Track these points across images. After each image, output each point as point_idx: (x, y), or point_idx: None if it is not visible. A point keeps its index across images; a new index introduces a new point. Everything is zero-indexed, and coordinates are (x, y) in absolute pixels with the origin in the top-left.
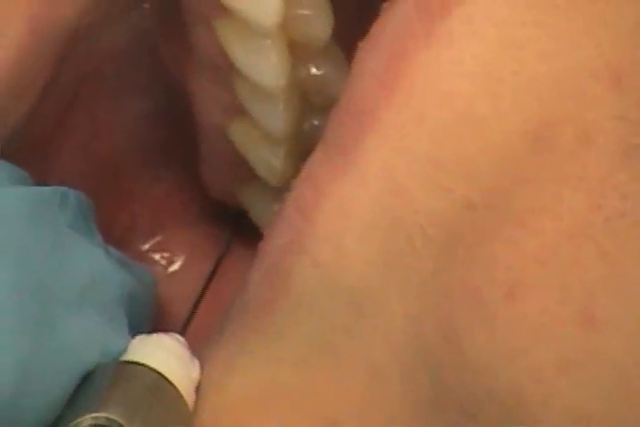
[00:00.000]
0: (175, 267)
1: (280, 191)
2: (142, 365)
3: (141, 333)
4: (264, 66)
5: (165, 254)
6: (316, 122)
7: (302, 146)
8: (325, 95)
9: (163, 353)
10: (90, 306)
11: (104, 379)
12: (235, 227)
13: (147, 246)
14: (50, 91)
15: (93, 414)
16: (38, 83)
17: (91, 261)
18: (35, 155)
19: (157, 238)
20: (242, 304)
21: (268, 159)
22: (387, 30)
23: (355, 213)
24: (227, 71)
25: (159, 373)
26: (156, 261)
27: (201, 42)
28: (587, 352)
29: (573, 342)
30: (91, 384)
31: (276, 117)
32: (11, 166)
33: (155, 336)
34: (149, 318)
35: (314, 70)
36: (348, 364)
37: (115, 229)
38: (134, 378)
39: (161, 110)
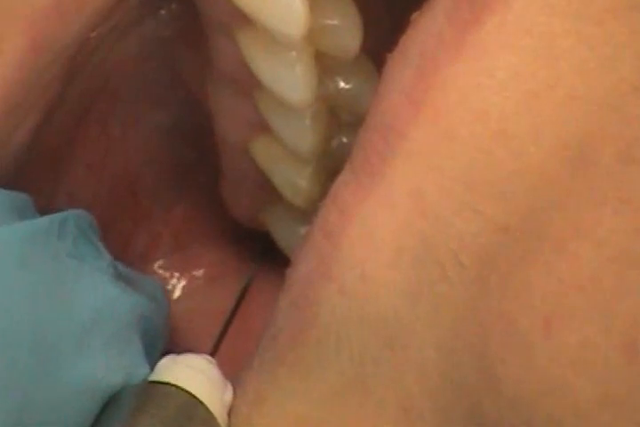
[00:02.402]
0: (198, 294)
1: (306, 214)
2: (172, 385)
3: (158, 352)
4: (289, 79)
5: (187, 280)
6: (344, 139)
7: (330, 165)
8: (355, 111)
9: (194, 373)
10: (98, 339)
11: (130, 401)
12: (262, 250)
13: (167, 270)
14: (59, 106)
15: None
16: (42, 101)
17: (96, 291)
18: (44, 172)
19: (178, 262)
20: (270, 335)
21: (293, 179)
22: (416, 41)
23: (382, 238)
24: (249, 85)
25: (191, 394)
26: (175, 287)
27: (221, 53)
28: (630, 386)
29: (616, 376)
30: (116, 407)
31: (302, 134)
32: (7, 194)
33: (184, 356)
34: (166, 335)
35: (342, 84)
36: (379, 399)
37: (133, 251)
38: (164, 399)
39: (178, 126)
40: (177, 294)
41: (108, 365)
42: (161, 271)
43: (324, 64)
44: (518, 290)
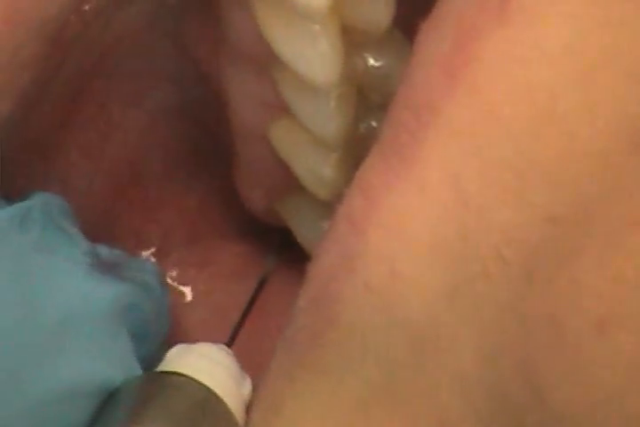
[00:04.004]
0: (213, 290)
1: (330, 207)
2: (184, 376)
3: (156, 339)
4: (312, 56)
5: (201, 276)
6: (374, 123)
7: (357, 152)
8: (386, 91)
9: (209, 364)
10: (75, 339)
11: (137, 391)
12: (280, 244)
13: (181, 265)
14: (51, 85)
15: None
16: (20, 81)
17: (68, 287)
18: (34, 158)
19: (193, 257)
20: (288, 335)
21: (316, 168)
22: (453, 7)
23: (414, 229)
24: (267, 62)
25: (206, 386)
26: (190, 282)
27: (236, 26)
28: None
29: None
30: (118, 400)
31: (327, 118)
32: None
33: (199, 345)
34: (163, 321)
35: (372, 61)
36: (410, 411)
37: (147, 246)
38: (175, 391)
39: (186, 106)
40: (191, 289)
41: (89, 364)
42: (175, 267)
43: (352, 39)
44: (567, 288)
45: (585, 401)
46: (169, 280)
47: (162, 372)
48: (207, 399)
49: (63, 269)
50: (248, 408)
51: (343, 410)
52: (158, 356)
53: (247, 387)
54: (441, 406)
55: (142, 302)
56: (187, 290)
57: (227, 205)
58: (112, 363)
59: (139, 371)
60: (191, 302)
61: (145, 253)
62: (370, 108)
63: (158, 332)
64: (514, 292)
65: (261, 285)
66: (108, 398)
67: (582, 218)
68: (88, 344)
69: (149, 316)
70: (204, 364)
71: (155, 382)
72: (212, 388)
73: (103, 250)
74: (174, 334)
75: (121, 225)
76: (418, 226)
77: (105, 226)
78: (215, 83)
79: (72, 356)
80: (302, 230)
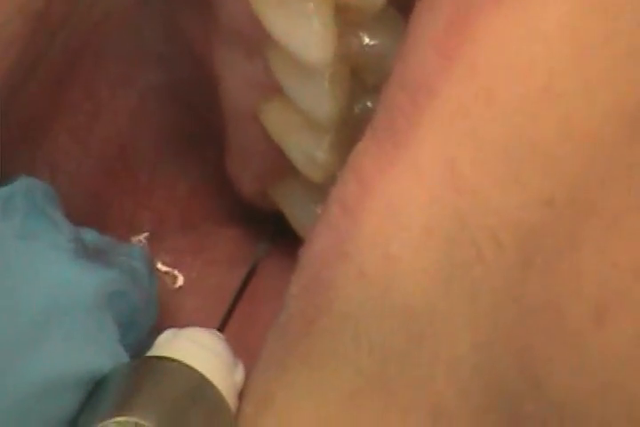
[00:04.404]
0: (204, 277)
1: (324, 190)
2: (175, 361)
3: (143, 326)
4: (305, 35)
5: (193, 263)
6: (369, 104)
7: (352, 133)
8: (381, 71)
9: (200, 349)
10: (59, 328)
11: (125, 377)
12: (272, 229)
13: (173, 252)
14: (38, 65)
15: (117, 419)
16: (6, 59)
17: (51, 274)
18: (21, 141)
19: (185, 244)
20: (280, 324)
21: (309, 151)
22: None
23: (408, 214)
24: (259, 42)
25: (197, 372)
26: (181, 269)
27: (228, 5)
28: None
29: None
30: (107, 387)
31: (320, 99)
32: None
33: (189, 330)
34: (151, 308)
35: (367, 40)
36: (405, 401)
37: (138, 231)
38: (166, 377)
39: (177, 87)
40: (183, 275)
41: (74, 353)
42: (167, 253)
43: (346, 17)
44: (566, 275)
45: (584, 389)
46: (161, 266)
47: (151, 357)
48: (199, 385)
49: (46, 256)
50: (240, 396)
51: (336, 400)
52: (147, 344)
53: (240, 373)
54: (435, 395)
55: (129, 290)
56: (179, 276)
57: (219, 189)
58: (97, 351)
59: (125, 359)
60: (183, 287)
61: (137, 239)
62: (365, 89)
63: (146, 319)
64: (510, 277)
65: (253, 270)
66: (96, 387)
67: (580, 202)
68: (72, 333)
69: (137, 303)
70: (196, 349)
71: (144, 368)
72: (203, 373)
73: (90, 235)
74: (165, 321)
75: (112, 211)
76: (412, 210)
77: (96, 212)
78: (206, 63)
79: (56, 345)
80: (295, 215)
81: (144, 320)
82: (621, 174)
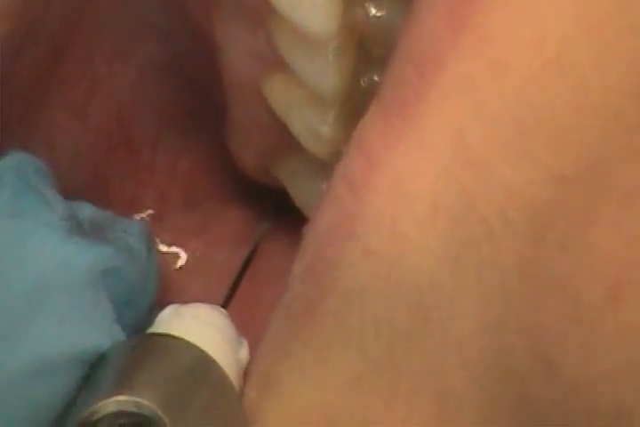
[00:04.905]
0: (207, 256)
1: (328, 166)
2: (177, 338)
3: (142, 302)
4: (309, 5)
5: (194, 241)
6: (375, 77)
7: (358, 108)
8: (387, 43)
9: (203, 326)
10: (52, 307)
11: (125, 355)
12: (276, 207)
13: (175, 231)
14: (31, 39)
15: (117, 398)
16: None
17: (43, 253)
18: (16, 117)
19: (188, 222)
20: (283, 305)
21: (313, 125)
22: None
23: (416, 190)
24: (261, 12)
25: (200, 349)
26: (182, 247)
27: None
28: None
29: None
30: (105, 365)
31: (325, 72)
32: None
33: (192, 306)
34: (150, 283)
35: (373, 10)
36: (411, 385)
37: (139, 209)
38: (168, 354)
39: (177, 61)
40: (186, 254)
41: (67, 332)
42: (170, 231)
43: None
44: (579, 252)
45: (597, 369)
46: (163, 245)
47: (152, 334)
48: (202, 363)
49: (38, 235)
50: (244, 376)
51: (340, 385)
52: (147, 323)
53: (244, 351)
54: (443, 378)
55: (125, 267)
56: (181, 255)
57: (221, 166)
58: (92, 329)
59: (122, 337)
60: (185, 267)
61: (139, 217)
62: (371, 61)
63: (144, 297)
64: (520, 255)
65: (256, 249)
66: (95, 365)
67: (595, 177)
68: (65, 312)
69: (133, 280)
70: (198, 325)
71: (145, 345)
72: (206, 350)
73: (87, 209)
74: (166, 300)
75: (114, 189)
76: (419, 186)
77: (97, 189)
78: (207, 36)
79: (49, 324)
80: (299, 192)
81: (142, 298)
82: (635, 151)
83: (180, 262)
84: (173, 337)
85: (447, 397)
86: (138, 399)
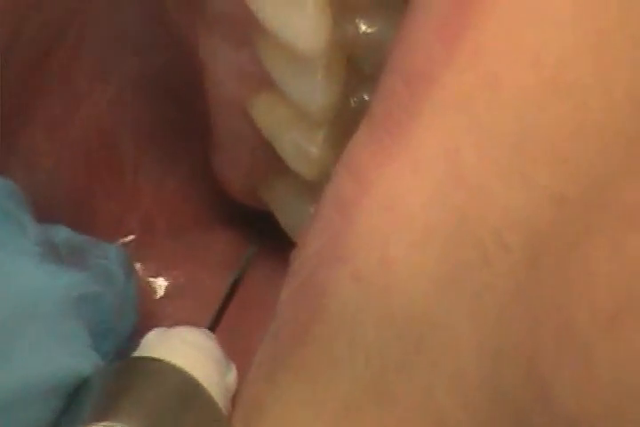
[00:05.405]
0: (192, 282)
1: (317, 189)
2: (163, 362)
3: (122, 328)
4: (297, 22)
5: (180, 267)
6: (365, 96)
7: (347, 128)
8: (378, 61)
9: (190, 349)
10: (25, 337)
11: (110, 380)
12: (263, 231)
13: (159, 253)
14: (10, 54)
15: (101, 424)
16: None
17: (15, 282)
18: None
19: (170, 246)
20: (271, 332)
21: (301, 146)
22: None
23: (407, 213)
24: (249, 29)
25: (187, 373)
26: (167, 273)
27: None
28: None
29: None
30: (88, 391)
31: (313, 90)
32: None
33: (179, 329)
34: (129, 309)
35: (363, 27)
36: (405, 412)
37: (124, 234)
38: (154, 378)
39: (161, 78)
40: (171, 280)
41: (43, 361)
42: (155, 257)
43: (341, 2)
44: (577, 277)
45: (597, 404)
46: (148, 270)
47: (137, 357)
48: (189, 388)
49: (10, 263)
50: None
51: (330, 414)
52: (128, 350)
53: (232, 375)
54: (436, 408)
55: (102, 292)
56: (166, 280)
57: (206, 188)
58: (68, 356)
59: (99, 361)
60: (171, 292)
61: (122, 242)
62: (361, 80)
63: (124, 323)
64: (517, 281)
65: (242, 275)
66: (78, 391)
67: (593, 200)
68: (40, 340)
69: (111, 306)
70: (185, 348)
71: (129, 369)
72: (193, 374)
73: (64, 233)
74: (151, 325)
75: (97, 214)
76: (411, 209)
77: (80, 214)
78: (192, 52)
79: (24, 353)
80: (286, 215)
81: (121, 324)
82: (636, 170)
83: (166, 288)
84: (159, 361)
85: (440, 424)
86: (122, 425)
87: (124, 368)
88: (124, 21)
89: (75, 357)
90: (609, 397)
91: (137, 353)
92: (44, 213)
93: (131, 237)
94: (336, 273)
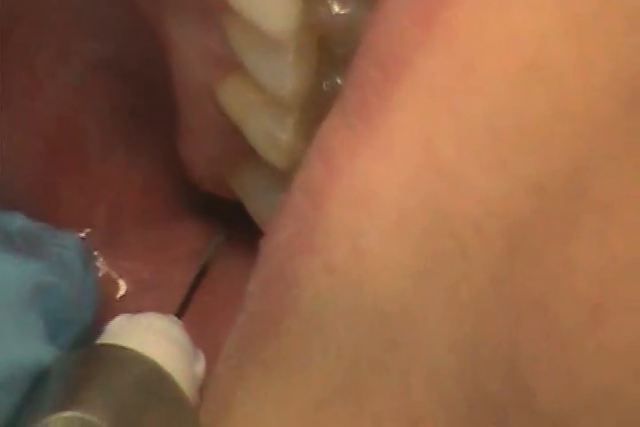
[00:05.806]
0: (158, 273)
1: (287, 176)
2: (128, 349)
3: (80, 317)
4: (267, 3)
5: (145, 259)
6: (338, 80)
7: (319, 114)
8: (352, 43)
9: (157, 337)
10: None
11: (73, 367)
12: (230, 219)
13: (126, 244)
14: None
15: (63, 414)
16: None
17: None
18: None
19: (135, 237)
20: (239, 325)
21: (271, 132)
22: None
23: (380, 201)
24: (216, 10)
25: (153, 361)
26: (134, 264)
27: None
28: None
29: None
30: (52, 377)
31: (284, 74)
32: None
33: (144, 315)
34: (87, 298)
35: (336, 9)
36: (379, 408)
37: (94, 226)
38: (118, 366)
39: (124, 61)
40: (136, 271)
41: (1, 350)
42: (121, 247)
43: None
44: (558, 269)
45: (575, 400)
46: (115, 262)
47: (100, 345)
48: (156, 377)
49: None
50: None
51: (301, 411)
52: (87, 340)
53: (200, 364)
54: (411, 403)
55: (59, 282)
56: (133, 271)
57: (174, 176)
58: (25, 346)
59: (54, 352)
60: (138, 283)
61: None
62: (334, 63)
63: (81, 313)
64: (495, 272)
65: (208, 265)
66: (38, 380)
67: (574, 189)
68: None
69: (68, 295)
70: (152, 336)
71: (92, 357)
72: (159, 362)
73: (19, 221)
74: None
75: (63, 206)
76: (384, 197)
77: (45, 204)
78: (157, 34)
79: None
80: (255, 204)
81: (79, 314)
82: (619, 155)
83: (132, 279)
84: (124, 348)
85: (416, 422)
86: (84, 415)
87: (86, 356)
88: (84, 3)
89: (32, 346)
90: (589, 391)
91: (101, 340)
92: (4, 204)
93: (87, 231)
94: (308, 264)
